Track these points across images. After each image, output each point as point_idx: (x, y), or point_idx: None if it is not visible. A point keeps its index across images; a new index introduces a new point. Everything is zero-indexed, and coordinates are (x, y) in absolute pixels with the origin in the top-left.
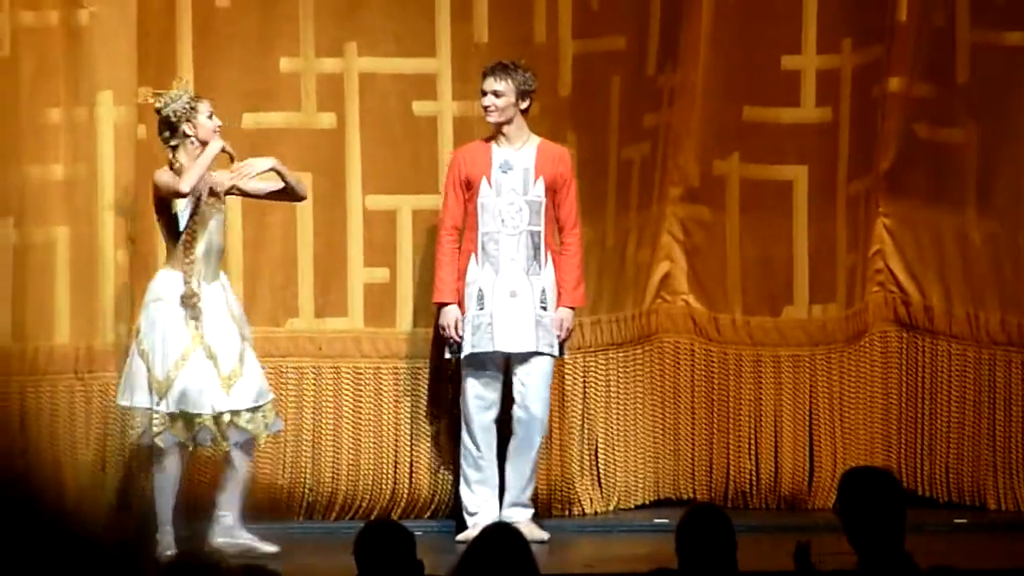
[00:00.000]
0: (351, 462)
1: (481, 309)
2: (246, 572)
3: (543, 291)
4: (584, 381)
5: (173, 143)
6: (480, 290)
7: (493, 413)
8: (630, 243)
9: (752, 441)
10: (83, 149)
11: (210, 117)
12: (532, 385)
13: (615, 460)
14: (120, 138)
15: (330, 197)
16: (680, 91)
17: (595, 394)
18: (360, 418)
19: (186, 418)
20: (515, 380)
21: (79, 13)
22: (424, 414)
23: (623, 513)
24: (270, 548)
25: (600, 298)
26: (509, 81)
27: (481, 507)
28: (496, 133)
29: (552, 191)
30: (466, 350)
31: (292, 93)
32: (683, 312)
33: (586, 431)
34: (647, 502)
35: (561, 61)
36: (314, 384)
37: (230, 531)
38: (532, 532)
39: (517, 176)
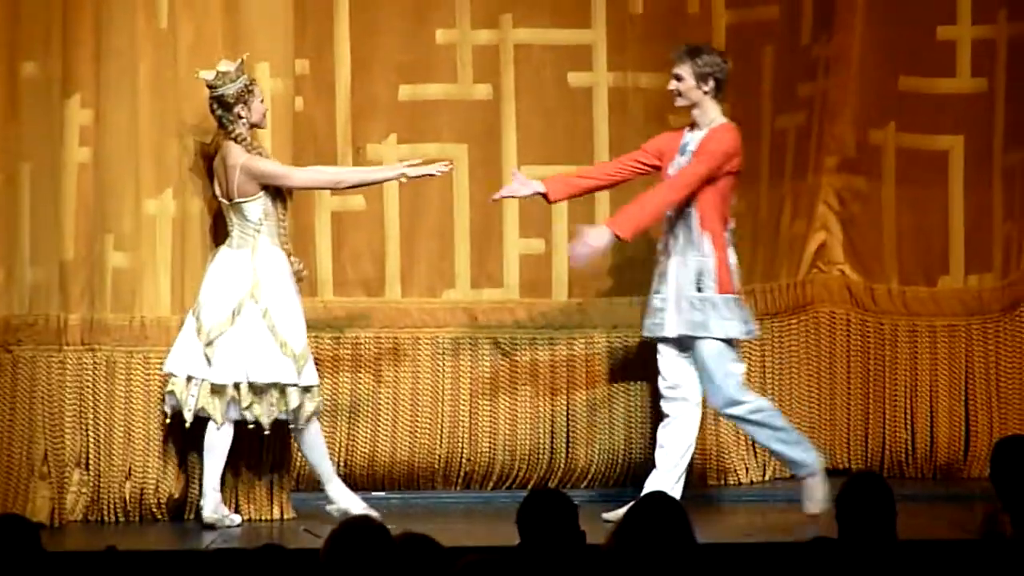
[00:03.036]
0: (508, 432)
1: (656, 292)
2: (402, 540)
3: (700, 274)
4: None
5: (225, 122)
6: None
7: None
8: (784, 213)
9: (908, 411)
10: None
11: (262, 101)
12: None
13: None
14: (277, 109)
15: (485, 168)
16: (836, 61)
17: (750, 364)
18: (516, 389)
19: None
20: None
21: None
22: (580, 384)
23: (779, 482)
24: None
25: (754, 268)
26: (688, 65)
27: None
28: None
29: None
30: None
31: (448, 64)
32: (839, 282)
33: None
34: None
35: (714, 31)
36: (471, 355)
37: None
38: None
39: (686, 159)
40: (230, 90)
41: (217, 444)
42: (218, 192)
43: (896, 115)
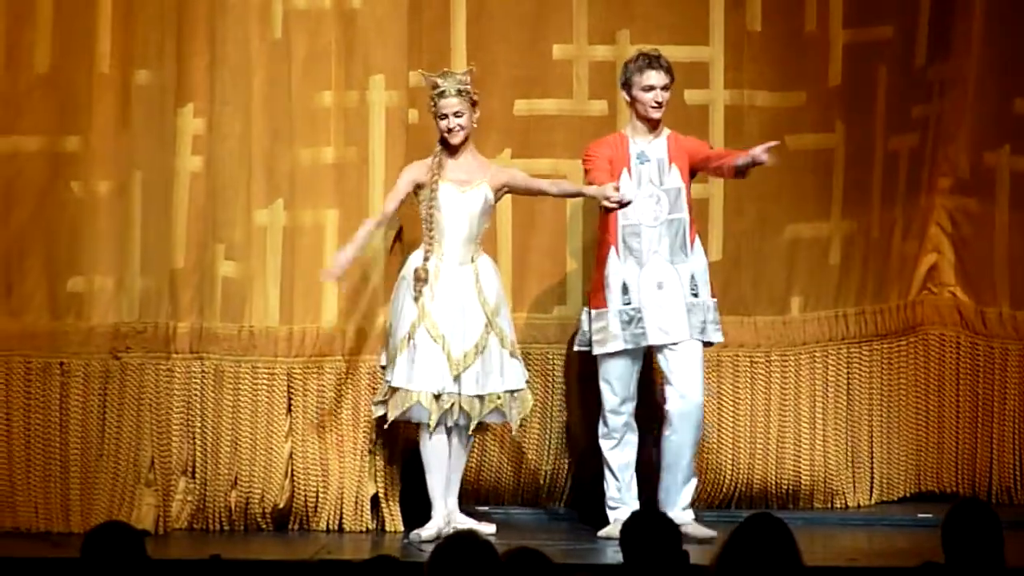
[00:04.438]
0: None
1: (628, 304)
2: (516, 554)
3: (692, 277)
4: (848, 372)
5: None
6: (624, 283)
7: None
8: (896, 234)
9: (1017, 436)
10: (354, 133)
11: (444, 117)
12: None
13: (878, 452)
14: (391, 122)
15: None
16: (952, 82)
17: (859, 385)
18: None
19: (402, 393)
20: (666, 369)
21: None
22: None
23: (885, 506)
24: (488, 529)
25: (864, 289)
26: (671, 75)
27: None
28: (641, 126)
29: (691, 171)
30: (616, 345)
31: (564, 80)
32: (949, 304)
33: (850, 422)
34: (909, 495)
35: (831, 51)
36: (581, 370)
37: (449, 514)
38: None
39: (652, 167)
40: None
41: (423, 454)
42: None
43: (1011, 138)
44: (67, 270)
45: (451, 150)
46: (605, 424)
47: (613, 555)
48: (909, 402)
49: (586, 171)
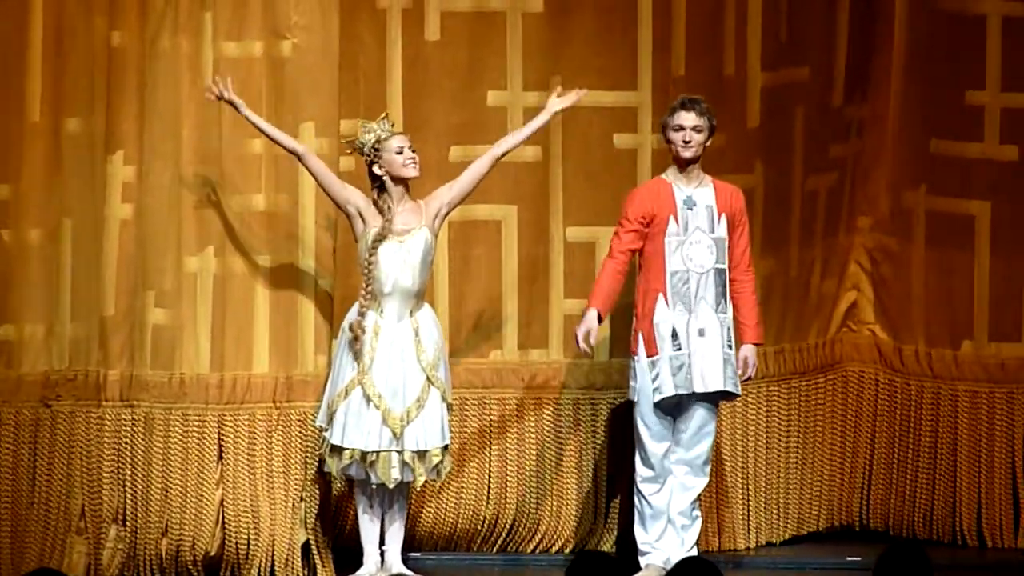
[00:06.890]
0: (556, 494)
1: (678, 349)
2: None
3: (728, 329)
4: (767, 410)
5: (375, 185)
6: (674, 329)
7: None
8: (815, 272)
9: (931, 475)
10: (284, 180)
11: (400, 152)
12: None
13: (796, 489)
14: None
15: (534, 229)
16: (870, 122)
17: (778, 422)
18: (563, 449)
19: (338, 451)
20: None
21: (281, 44)
22: (622, 444)
23: (814, 548)
24: None
25: (783, 327)
26: (707, 118)
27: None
28: (680, 169)
29: (731, 228)
30: (668, 391)
31: (499, 126)
32: (869, 342)
33: (770, 459)
34: (823, 530)
35: (749, 93)
36: (517, 415)
37: (389, 565)
38: None
39: (702, 214)
40: (364, 151)
41: (358, 503)
42: None
43: (927, 178)
44: None
45: (397, 195)
46: (648, 467)
47: None
48: (828, 439)
49: (618, 231)
